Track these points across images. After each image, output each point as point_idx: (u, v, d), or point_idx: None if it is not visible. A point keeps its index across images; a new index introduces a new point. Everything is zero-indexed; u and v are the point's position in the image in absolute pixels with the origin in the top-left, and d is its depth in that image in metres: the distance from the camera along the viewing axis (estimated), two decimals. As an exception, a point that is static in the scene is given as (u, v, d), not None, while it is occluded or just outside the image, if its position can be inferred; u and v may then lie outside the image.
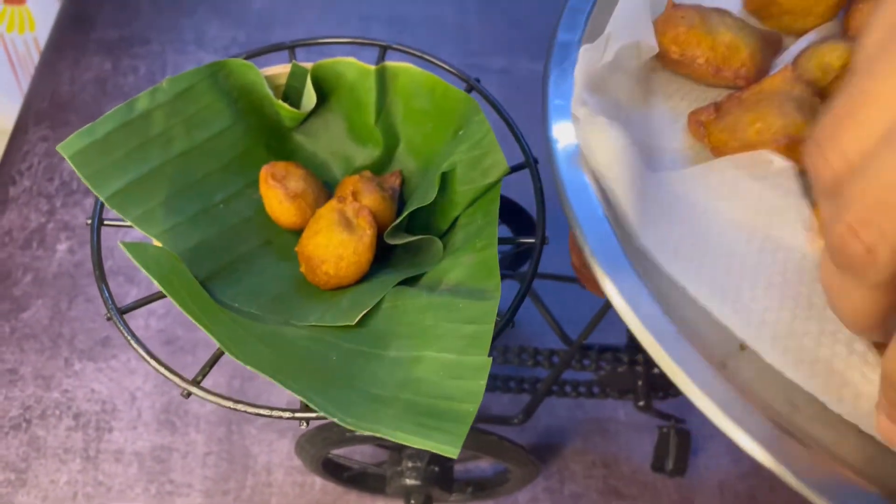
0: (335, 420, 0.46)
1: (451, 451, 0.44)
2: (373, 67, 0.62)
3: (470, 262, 0.54)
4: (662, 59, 0.55)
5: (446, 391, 0.48)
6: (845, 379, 0.41)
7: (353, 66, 0.62)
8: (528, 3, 1.40)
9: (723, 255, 0.46)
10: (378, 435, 0.45)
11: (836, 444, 0.40)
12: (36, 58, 1.31)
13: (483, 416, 0.84)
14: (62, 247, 1.14)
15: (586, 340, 0.80)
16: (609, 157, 0.47)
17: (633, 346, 0.86)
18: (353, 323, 0.53)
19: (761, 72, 0.54)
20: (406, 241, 0.58)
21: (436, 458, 0.82)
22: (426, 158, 0.63)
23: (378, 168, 0.65)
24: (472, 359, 0.48)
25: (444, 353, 0.49)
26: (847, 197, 0.31)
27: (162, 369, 0.50)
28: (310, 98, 0.62)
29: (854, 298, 0.35)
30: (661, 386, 0.87)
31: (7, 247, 1.14)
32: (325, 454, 0.85)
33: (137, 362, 1.04)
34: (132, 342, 0.51)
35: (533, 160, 0.58)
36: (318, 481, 0.96)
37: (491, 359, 0.48)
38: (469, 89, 0.62)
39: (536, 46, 1.35)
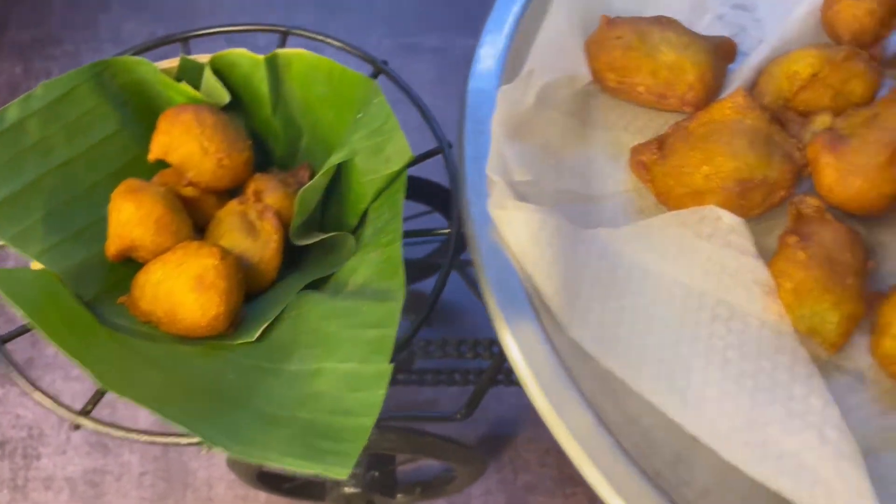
0: (222, 449, 0.40)
1: (342, 472, 0.39)
2: (262, 57, 0.54)
3: (376, 260, 0.47)
4: (600, 84, 0.47)
5: (345, 405, 0.42)
6: (818, 475, 0.34)
7: (245, 57, 0.54)
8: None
9: (670, 329, 0.38)
10: (268, 463, 0.40)
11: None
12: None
13: (422, 415, 0.78)
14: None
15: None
16: (525, 243, 0.39)
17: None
18: (253, 339, 0.47)
19: (712, 92, 0.46)
20: (315, 241, 0.51)
21: (375, 463, 0.76)
22: (334, 149, 0.55)
23: (285, 162, 0.57)
24: (373, 367, 0.42)
25: (345, 362, 0.44)
26: None
27: (47, 402, 0.43)
28: (220, 94, 0.54)
29: None
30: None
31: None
32: (258, 467, 0.77)
33: (63, 383, 0.95)
34: (13, 374, 0.44)
35: (446, 145, 0.51)
36: (262, 494, 0.89)
37: (391, 366, 0.42)
38: (376, 73, 0.55)
39: (471, 23, 1.25)
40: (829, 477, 0.34)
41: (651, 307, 0.39)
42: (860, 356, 0.39)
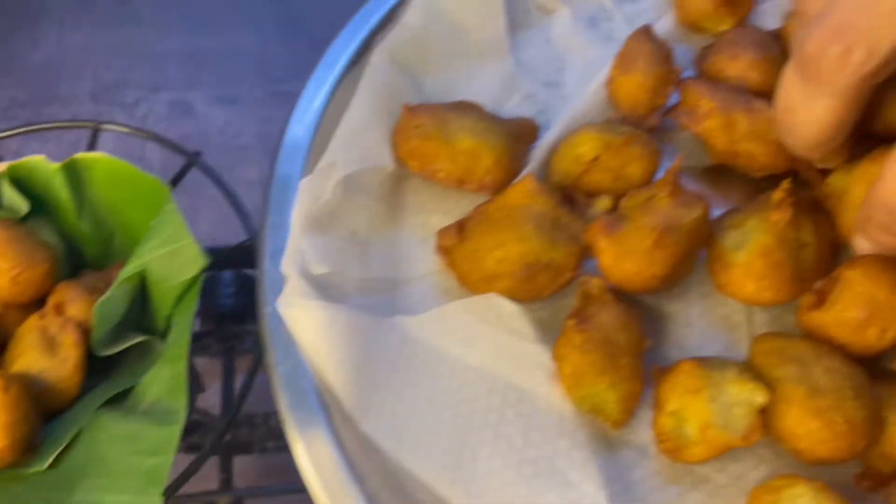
0: None
1: None
2: (57, 166, 0.53)
3: (167, 376, 0.46)
4: (406, 170, 0.48)
5: None
6: None
7: (42, 164, 0.53)
8: (331, 23, 1.31)
9: (462, 416, 0.39)
10: None
11: None
12: None
13: (273, 490, 0.77)
14: None
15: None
16: (314, 340, 0.40)
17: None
18: (45, 467, 0.44)
19: (511, 174, 0.47)
20: (118, 350, 0.49)
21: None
22: None
23: (100, 263, 0.55)
24: (146, 501, 0.41)
25: (123, 494, 0.42)
26: (832, 4, 0.34)
27: None
28: (18, 204, 0.52)
29: (814, 110, 0.38)
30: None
31: None
32: None
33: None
34: None
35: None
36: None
37: (161, 501, 0.41)
38: (189, 164, 0.55)
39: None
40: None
41: (445, 395, 0.40)
42: (645, 431, 0.41)
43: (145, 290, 0.51)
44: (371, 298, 0.44)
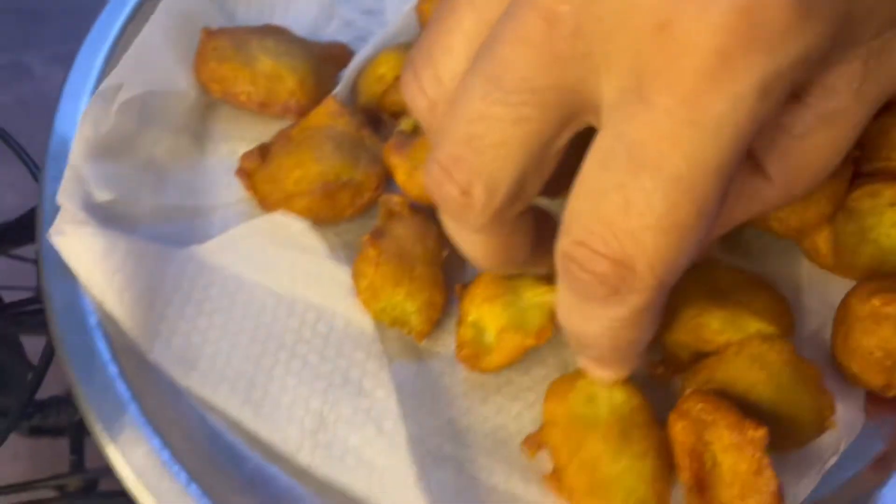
0: None
1: None
2: None
3: None
4: (211, 96, 0.47)
5: None
6: (373, 467, 0.36)
7: None
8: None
9: (257, 341, 0.39)
10: None
11: None
12: None
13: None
14: None
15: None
16: (90, 269, 0.38)
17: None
18: None
19: (317, 97, 0.46)
20: None
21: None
22: None
23: None
24: None
25: None
26: (441, 130, 0.26)
27: None
28: None
29: (468, 242, 0.31)
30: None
31: None
32: None
33: None
34: None
35: None
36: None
37: None
38: None
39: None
40: (382, 467, 0.36)
41: (242, 321, 0.40)
42: (451, 341, 0.41)
43: None
44: (166, 228, 0.43)
